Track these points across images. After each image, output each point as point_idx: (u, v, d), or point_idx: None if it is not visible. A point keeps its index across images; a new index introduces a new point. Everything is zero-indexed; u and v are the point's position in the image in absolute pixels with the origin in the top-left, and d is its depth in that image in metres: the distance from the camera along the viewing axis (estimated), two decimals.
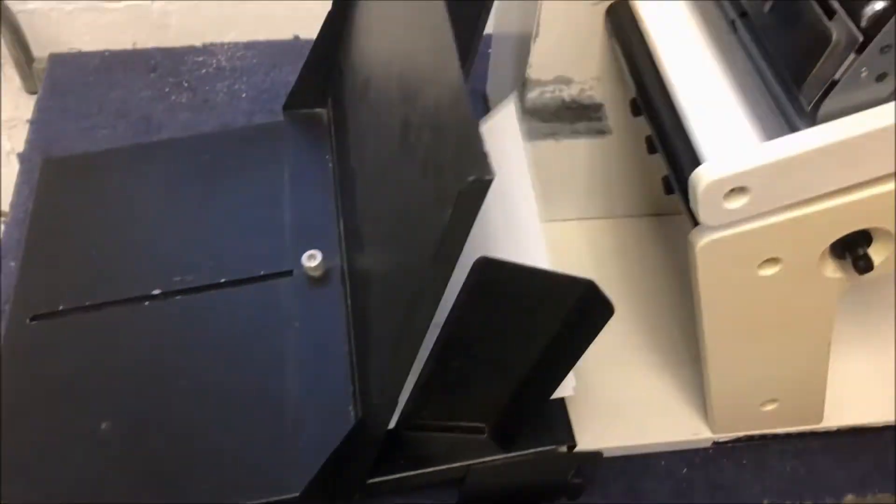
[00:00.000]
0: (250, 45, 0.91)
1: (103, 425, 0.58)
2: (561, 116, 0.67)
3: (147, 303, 0.65)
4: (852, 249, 0.48)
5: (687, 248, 0.48)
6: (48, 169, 0.76)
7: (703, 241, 0.46)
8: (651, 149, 0.55)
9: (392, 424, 0.53)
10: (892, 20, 0.38)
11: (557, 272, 0.43)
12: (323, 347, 0.61)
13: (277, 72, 0.89)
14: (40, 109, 0.85)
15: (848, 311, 0.64)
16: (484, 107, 0.80)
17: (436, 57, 0.45)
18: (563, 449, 0.56)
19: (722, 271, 0.48)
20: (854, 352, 0.66)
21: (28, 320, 0.65)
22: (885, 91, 0.41)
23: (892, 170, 0.43)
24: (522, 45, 0.63)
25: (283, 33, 0.93)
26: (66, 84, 0.87)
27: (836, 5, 0.40)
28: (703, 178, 0.42)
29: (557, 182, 0.71)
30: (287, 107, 0.78)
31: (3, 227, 0.75)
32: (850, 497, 0.62)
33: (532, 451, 0.55)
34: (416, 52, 0.50)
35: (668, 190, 0.51)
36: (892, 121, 0.40)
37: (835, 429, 0.64)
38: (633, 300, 0.68)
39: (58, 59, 0.90)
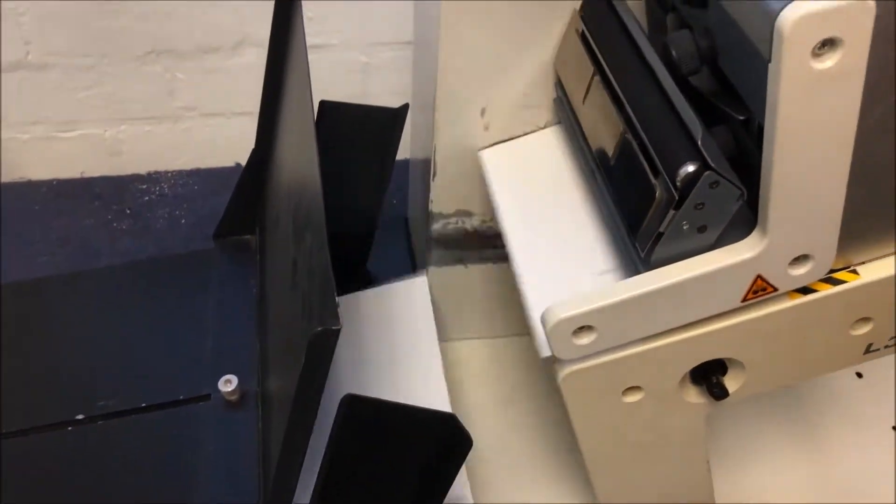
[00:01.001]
0: (194, 173, 0.97)
1: None
2: (467, 245, 0.71)
3: (70, 427, 0.68)
4: (708, 378, 0.52)
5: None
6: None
7: (564, 372, 0.49)
8: None
9: None
10: (702, 180, 0.43)
11: (420, 408, 0.46)
12: (235, 468, 0.63)
13: (217, 198, 0.94)
14: None
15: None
16: (405, 231, 0.85)
17: (310, 200, 0.49)
18: None
19: (588, 398, 0.51)
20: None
21: None
22: (709, 240, 0.45)
23: (723, 309, 0.47)
24: (426, 181, 0.69)
25: (226, 161, 0.99)
26: (17, 213, 0.92)
27: (659, 165, 0.45)
28: (549, 318, 0.46)
29: (466, 304, 0.75)
30: (217, 235, 0.82)
31: None
32: None
33: None
34: (302, 191, 0.55)
35: None
36: (712, 268, 0.45)
37: None
38: (532, 414, 0.72)
39: (10, 189, 0.95)
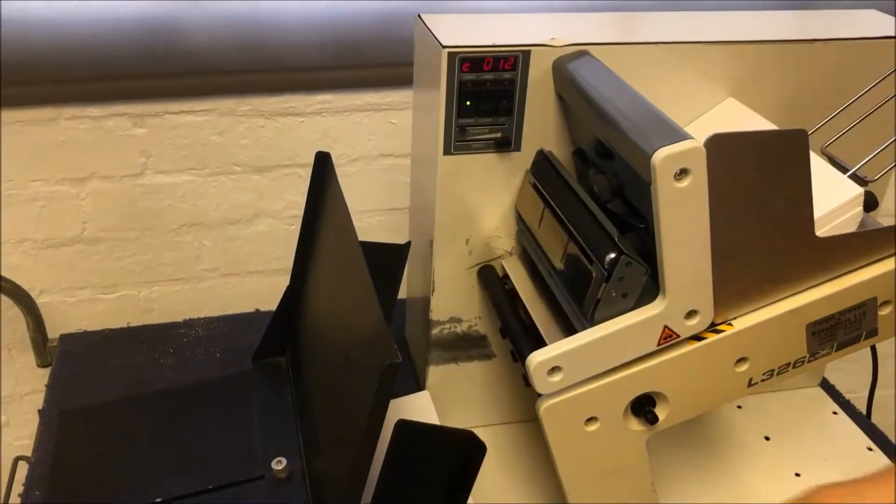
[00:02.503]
0: (222, 318, 1.18)
1: None
2: (458, 346, 0.94)
3: None
4: (643, 409, 0.73)
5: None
6: (65, 418, 0.98)
7: (544, 406, 0.71)
8: (514, 358, 0.81)
9: None
10: (621, 261, 0.67)
11: (450, 427, 0.66)
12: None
13: (243, 336, 1.14)
14: (55, 377, 1.07)
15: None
16: (403, 347, 1.07)
17: (363, 308, 0.72)
18: None
19: (561, 429, 0.72)
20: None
21: None
22: (630, 303, 0.69)
23: (645, 351, 0.70)
24: (425, 299, 0.92)
25: (247, 307, 1.20)
26: (75, 356, 1.11)
27: (593, 257, 0.69)
28: (531, 361, 0.68)
29: (458, 397, 0.96)
30: (255, 358, 1.03)
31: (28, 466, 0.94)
32: None
33: None
34: (351, 309, 0.77)
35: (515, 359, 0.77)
36: (634, 321, 0.68)
37: None
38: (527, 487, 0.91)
39: (67, 338, 1.14)
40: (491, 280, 0.88)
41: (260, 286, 1.33)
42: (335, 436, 0.79)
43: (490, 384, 0.97)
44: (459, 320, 0.92)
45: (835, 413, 1.05)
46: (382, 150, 1.27)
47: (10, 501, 0.94)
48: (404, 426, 0.65)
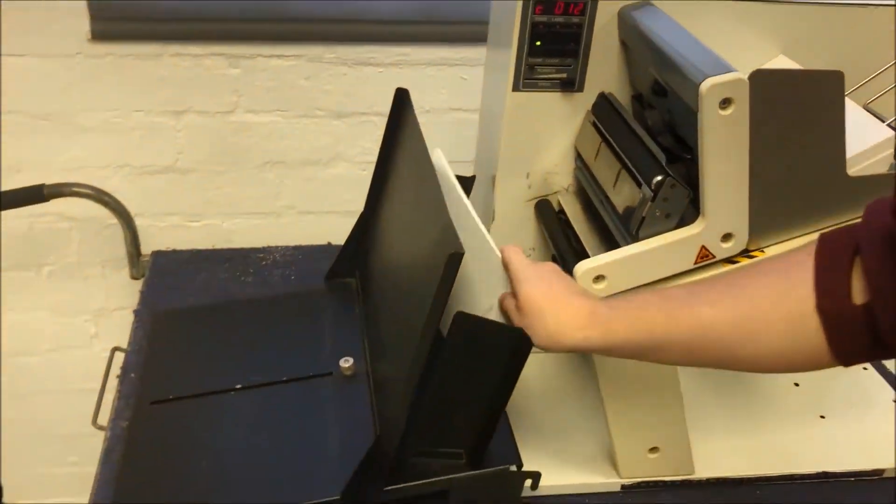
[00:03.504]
0: (296, 248, 1.28)
1: (204, 462, 0.87)
2: None
3: (232, 393, 0.95)
4: None
5: None
6: (158, 319, 1.09)
7: None
8: None
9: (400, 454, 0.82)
10: (666, 183, 0.75)
11: (504, 324, 0.75)
12: (353, 416, 0.91)
13: (316, 263, 1.24)
14: (148, 284, 1.19)
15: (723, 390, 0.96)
16: None
17: (432, 215, 0.81)
18: (514, 468, 0.84)
19: None
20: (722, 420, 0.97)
21: (149, 403, 0.95)
22: (672, 223, 0.77)
23: (682, 269, 0.78)
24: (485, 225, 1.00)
25: (320, 241, 1.31)
26: (165, 270, 1.23)
27: (641, 180, 0.77)
28: (579, 269, 0.77)
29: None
30: (327, 278, 1.13)
31: (122, 357, 1.06)
32: None
33: (494, 468, 0.83)
34: (420, 220, 0.87)
35: None
36: (673, 239, 0.76)
37: (705, 479, 0.92)
38: (570, 387, 1.00)
39: (159, 254, 1.26)
40: (547, 213, 0.97)
41: (332, 226, 1.43)
42: (397, 339, 0.88)
43: None
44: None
45: (865, 369, 1.11)
46: (452, 104, 1.36)
47: (107, 386, 1.07)
48: (463, 317, 0.74)
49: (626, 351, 0.69)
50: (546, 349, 0.72)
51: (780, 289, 0.60)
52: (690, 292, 0.67)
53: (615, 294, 0.76)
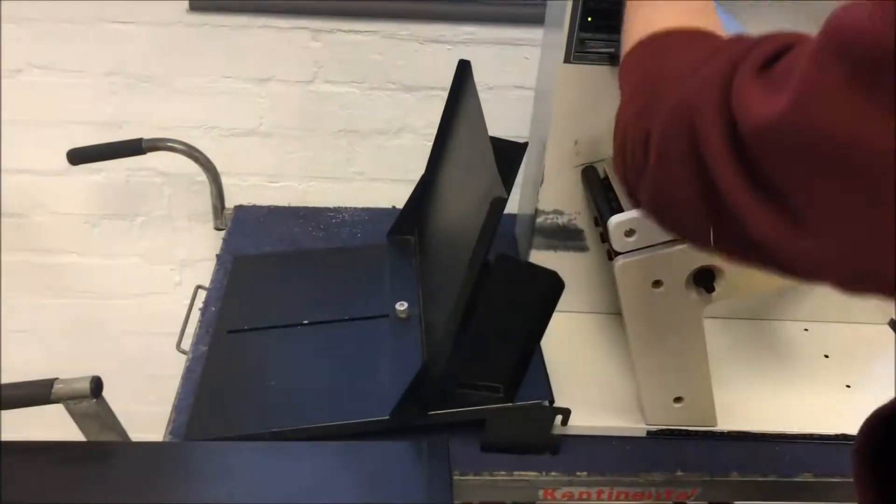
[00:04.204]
0: (365, 210, 1.39)
1: (273, 382, 0.98)
2: (557, 236, 1.11)
3: (299, 327, 1.07)
4: (702, 280, 0.88)
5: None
6: (237, 262, 1.22)
7: (619, 263, 0.87)
8: (609, 256, 0.98)
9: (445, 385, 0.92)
10: None
11: (542, 267, 0.84)
12: (404, 353, 1.01)
13: (381, 224, 1.34)
14: (230, 233, 1.32)
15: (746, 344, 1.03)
16: (513, 244, 1.25)
17: (481, 167, 0.90)
18: (546, 403, 0.93)
19: (632, 287, 0.88)
20: (745, 374, 1.03)
21: (226, 332, 1.07)
22: None
23: None
24: (535, 190, 1.09)
25: (385, 204, 1.41)
26: (245, 222, 1.35)
27: None
28: (612, 222, 0.85)
29: None
30: (390, 234, 1.23)
31: (205, 294, 1.19)
32: (734, 474, 0.96)
33: (527, 402, 0.92)
34: (472, 176, 0.96)
35: (610, 256, 0.93)
36: None
37: (726, 431, 0.99)
38: (602, 339, 1.08)
39: (241, 208, 1.39)
40: (593, 178, 1.05)
41: (397, 191, 1.53)
42: (446, 284, 0.98)
43: (580, 274, 1.13)
44: (561, 213, 1.09)
45: None
46: (514, 81, 1.45)
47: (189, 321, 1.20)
48: (504, 259, 0.83)
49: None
50: None
51: None
52: None
53: None
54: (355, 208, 1.39)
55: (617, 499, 0.97)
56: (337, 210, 1.39)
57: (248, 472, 0.81)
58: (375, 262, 1.19)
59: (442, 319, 0.95)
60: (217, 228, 1.43)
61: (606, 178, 1.04)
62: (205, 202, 1.51)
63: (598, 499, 0.97)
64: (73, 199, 1.52)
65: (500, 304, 0.86)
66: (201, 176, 1.46)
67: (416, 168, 1.52)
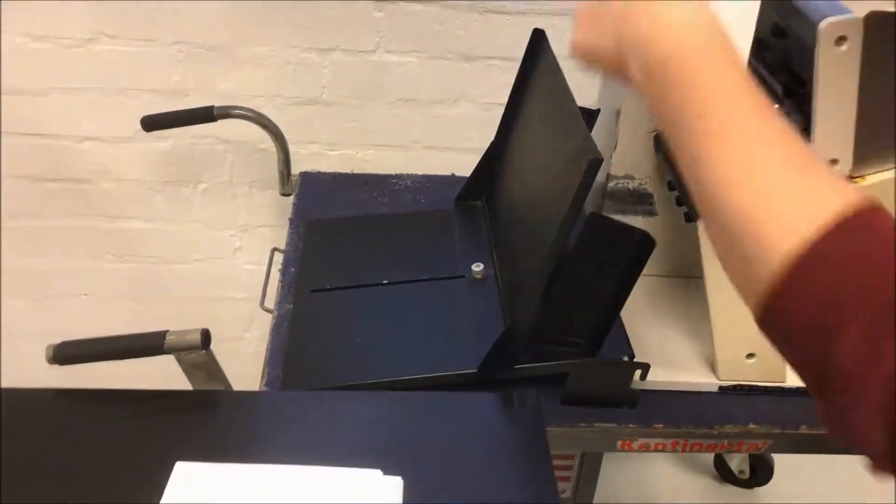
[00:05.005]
0: (425, 177, 1.43)
1: (358, 339, 1.03)
2: (627, 200, 1.14)
3: (379, 287, 1.11)
4: None
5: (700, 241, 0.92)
6: (311, 226, 1.26)
7: (702, 226, 0.91)
8: (688, 218, 1.01)
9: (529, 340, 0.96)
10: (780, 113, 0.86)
11: (631, 226, 0.88)
12: (483, 311, 1.05)
13: (443, 191, 1.38)
14: (299, 198, 1.36)
15: None
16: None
17: (569, 131, 0.93)
18: (626, 359, 0.97)
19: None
20: None
21: (309, 292, 1.11)
22: None
23: None
24: (607, 155, 1.12)
25: (445, 172, 1.45)
26: (311, 188, 1.39)
27: None
28: None
29: None
30: (458, 200, 1.27)
31: (282, 255, 1.23)
32: (803, 427, 1.00)
33: (609, 358, 0.97)
34: (556, 140, 0.99)
35: (689, 219, 0.97)
36: None
37: (795, 388, 1.03)
38: (671, 311, 1.12)
39: (306, 175, 1.42)
40: (665, 144, 1.08)
41: (454, 160, 1.57)
42: (529, 245, 1.02)
43: None
44: (632, 178, 1.12)
45: None
46: None
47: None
48: (595, 216, 0.87)
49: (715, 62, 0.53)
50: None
51: None
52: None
53: None
54: (417, 175, 1.43)
55: (691, 450, 1.02)
56: (398, 177, 1.42)
57: (347, 419, 0.85)
58: (445, 226, 1.23)
59: (525, 278, 0.99)
60: (283, 194, 1.47)
61: None
62: (265, 170, 1.55)
63: (673, 450, 1.01)
64: (138, 165, 1.56)
65: (589, 263, 0.90)
66: (263, 143, 1.51)
67: (472, 137, 1.56)
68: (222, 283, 1.69)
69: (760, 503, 1.73)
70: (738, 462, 1.65)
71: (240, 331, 1.79)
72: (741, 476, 1.66)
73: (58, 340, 0.88)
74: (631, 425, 0.99)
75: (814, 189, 0.45)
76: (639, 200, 1.15)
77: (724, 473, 1.70)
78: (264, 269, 1.66)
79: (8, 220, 1.61)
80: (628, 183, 1.13)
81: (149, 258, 1.67)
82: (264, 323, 1.66)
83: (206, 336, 0.88)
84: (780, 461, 1.70)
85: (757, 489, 1.72)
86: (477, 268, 1.10)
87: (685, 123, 0.51)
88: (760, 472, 1.67)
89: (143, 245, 1.66)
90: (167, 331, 0.88)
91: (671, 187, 1.07)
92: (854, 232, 0.42)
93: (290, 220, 1.30)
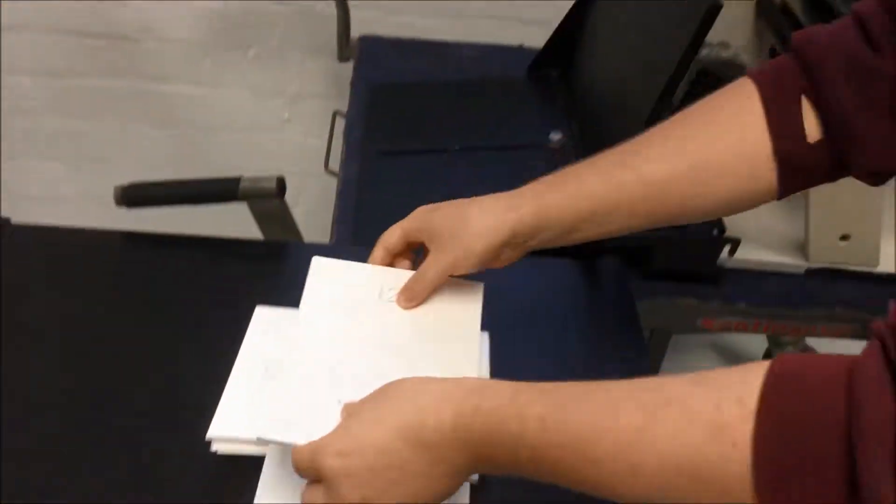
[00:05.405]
0: (490, 46, 1.35)
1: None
2: (720, 70, 1.07)
3: (450, 153, 1.06)
4: None
5: None
6: (376, 89, 1.19)
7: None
8: None
9: None
10: None
11: None
12: None
13: (509, 62, 1.30)
14: (360, 63, 1.29)
15: None
16: None
17: None
18: (717, 233, 0.93)
19: None
20: None
21: (376, 154, 1.06)
22: None
23: None
24: None
25: (513, 42, 1.37)
26: (371, 54, 1.32)
27: None
28: None
29: None
30: (530, 69, 1.20)
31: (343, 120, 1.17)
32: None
33: (699, 232, 0.92)
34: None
35: None
36: None
37: (885, 274, 0.98)
38: None
39: (365, 39, 1.35)
40: (768, 7, 1.00)
41: (519, 33, 1.48)
42: (617, 114, 0.96)
43: None
44: (728, 45, 1.05)
45: None
46: None
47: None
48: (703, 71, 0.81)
49: (561, 225, 0.60)
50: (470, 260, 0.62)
51: (730, 137, 0.57)
52: (624, 153, 0.61)
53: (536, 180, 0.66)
54: (480, 44, 1.35)
55: (773, 332, 0.98)
56: (461, 45, 1.35)
57: None
58: (518, 94, 1.16)
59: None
60: (341, 59, 1.39)
61: (785, 6, 1.00)
62: (319, 36, 1.47)
63: (755, 331, 0.98)
64: (186, 25, 1.49)
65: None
66: (319, 6, 1.43)
67: (530, 6, 1.47)
68: (268, 155, 1.63)
69: None
70: None
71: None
72: None
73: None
74: (715, 302, 0.95)
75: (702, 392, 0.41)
76: (731, 69, 1.07)
77: None
78: (312, 141, 1.61)
79: (46, 78, 1.54)
80: (722, 51, 1.06)
81: (193, 124, 1.61)
82: (311, 198, 1.62)
83: (281, 183, 0.84)
84: None
85: None
86: (555, 136, 1.05)
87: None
88: None
89: (186, 111, 1.59)
90: (241, 176, 0.84)
91: (773, 53, 1.00)
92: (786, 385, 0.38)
93: (351, 83, 1.24)
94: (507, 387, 0.47)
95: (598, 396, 0.44)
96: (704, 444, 0.38)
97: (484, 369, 0.69)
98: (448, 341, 0.63)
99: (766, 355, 1.69)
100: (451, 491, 0.49)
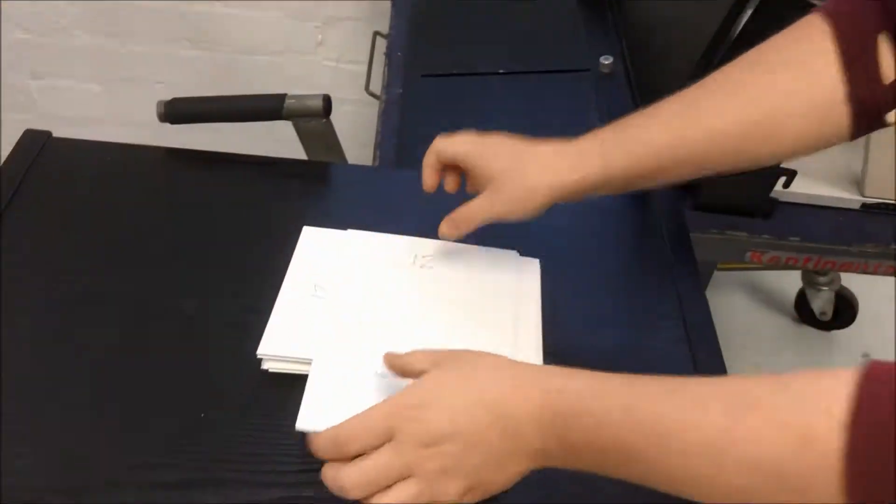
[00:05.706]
0: None
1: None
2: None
3: (496, 76, 1.02)
4: None
5: None
6: (418, 6, 1.15)
7: None
8: None
9: None
10: None
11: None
12: (612, 109, 0.96)
13: None
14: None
15: None
16: None
17: None
18: None
19: None
20: None
21: (420, 76, 1.03)
22: None
23: None
24: None
25: None
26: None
27: None
28: None
29: None
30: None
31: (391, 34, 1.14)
32: None
33: None
34: None
35: None
36: None
37: None
38: None
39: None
40: None
41: None
42: (676, 41, 0.92)
43: None
44: None
45: None
46: None
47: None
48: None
49: (625, 182, 0.60)
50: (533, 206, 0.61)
51: (799, 84, 0.55)
52: (688, 103, 0.59)
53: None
54: None
55: (822, 267, 0.96)
56: None
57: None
58: (567, 15, 1.12)
59: (672, 76, 0.90)
60: None
61: None
62: None
63: (804, 266, 0.96)
64: None
65: None
66: None
67: None
68: (300, 78, 1.60)
69: (833, 345, 1.69)
70: (821, 303, 1.60)
71: None
72: (822, 318, 1.62)
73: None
74: (765, 236, 0.93)
75: (792, 396, 0.40)
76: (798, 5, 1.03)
77: (804, 313, 1.66)
78: (346, 66, 1.58)
79: None
80: None
81: (225, 46, 1.58)
82: (344, 123, 1.59)
83: (327, 102, 0.81)
84: (865, 307, 1.65)
85: (833, 333, 1.68)
86: (606, 61, 1.01)
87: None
88: (844, 314, 1.62)
89: (221, 31, 1.56)
90: (286, 94, 0.81)
91: None
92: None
93: (392, 2, 1.20)
94: (588, 374, 0.46)
95: (685, 392, 0.43)
96: (792, 454, 0.38)
97: (534, 302, 0.68)
98: (506, 322, 0.65)
99: (799, 295, 1.67)
100: (517, 477, 0.47)
